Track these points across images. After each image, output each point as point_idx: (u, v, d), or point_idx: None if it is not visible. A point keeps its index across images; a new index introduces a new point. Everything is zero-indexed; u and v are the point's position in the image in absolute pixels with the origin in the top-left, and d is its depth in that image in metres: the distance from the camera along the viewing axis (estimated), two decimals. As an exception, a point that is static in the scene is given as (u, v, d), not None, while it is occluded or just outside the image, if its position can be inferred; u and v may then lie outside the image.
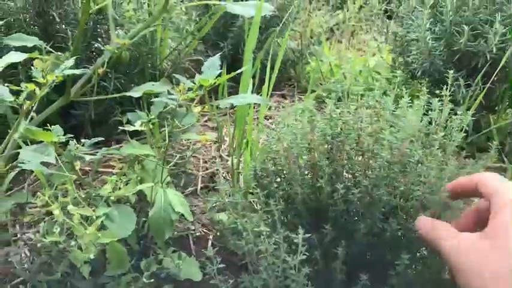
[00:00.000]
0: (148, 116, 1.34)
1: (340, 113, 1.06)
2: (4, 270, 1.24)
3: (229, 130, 1.76)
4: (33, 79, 1.14)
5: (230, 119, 1.92)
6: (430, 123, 1.19)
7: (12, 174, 1.19)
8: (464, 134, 1.32)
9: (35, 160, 0.97)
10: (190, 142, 1.81)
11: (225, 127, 1.90)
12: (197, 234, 1.44)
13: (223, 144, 1.88)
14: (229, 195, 1.20)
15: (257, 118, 1.59)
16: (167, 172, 1.31)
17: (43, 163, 1.19)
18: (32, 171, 1.66)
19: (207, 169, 1.76)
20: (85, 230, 1.12)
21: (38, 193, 1.21)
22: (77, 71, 1.07)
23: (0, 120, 1.47)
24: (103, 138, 1.18)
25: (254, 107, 1.60)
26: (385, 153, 0.95)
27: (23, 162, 1.15)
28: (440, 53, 1.78)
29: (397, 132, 0.98)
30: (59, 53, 1.41)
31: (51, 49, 1.41)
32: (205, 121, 2.11)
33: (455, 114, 1.12)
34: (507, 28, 1.66)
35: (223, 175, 1.68)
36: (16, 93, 1.18)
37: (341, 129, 1.02)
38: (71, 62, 1.12)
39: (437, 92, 1.21)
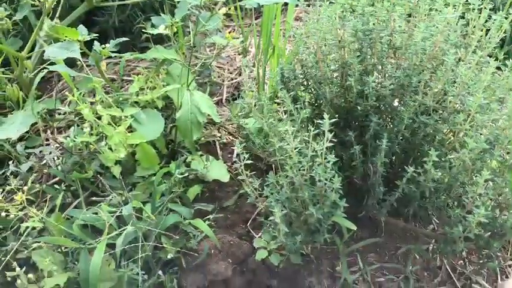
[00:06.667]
0: (171, 19, 1.31)
1: (373, 10, 1.01)
2: (39, 171, 1.29)
3: (255, 40, 1.71)
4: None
5: (256, 28, 1.86)
6: (468, 24, 1.13)
7: (41, 75, 1.20)
8: (500, 42, 1.25)
9: (60, 55, 0.96)
10: (215, 49, 1.77)
11: (250, 37, 1.85)
12: (223, 140, 1.45)
13: (249, 54, 1.84)
14: (256, 99, 1.19)
15: (284, 22, 1.53)
16: (192, 76, 1.30)
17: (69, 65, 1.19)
18: (60, 80, 1.68)
19: (232, 79, 1.74)
20: (115, 130, 1.14)
21: (67, 93, 1.23)
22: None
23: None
24: (128, 39, 1.16)
25: (282, 11, 1.53)
26: (418, 48, 0.91)
27: (50, 64, 1.15)
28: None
29: (432, 27, 0.93)
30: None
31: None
32: (229, 32, 2.06)
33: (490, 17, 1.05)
34: None
35: (249, 84, 1.67)
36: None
37: (373, 24, 0.97)
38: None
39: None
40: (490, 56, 1.06)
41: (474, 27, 1.10)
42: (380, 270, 1.14)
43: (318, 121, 0.88)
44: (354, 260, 1.15)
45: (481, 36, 1.07)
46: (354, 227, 1.04)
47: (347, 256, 1.14)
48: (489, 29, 1.08)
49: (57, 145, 1.35)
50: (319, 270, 1.12)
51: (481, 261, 1.11)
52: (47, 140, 1.43)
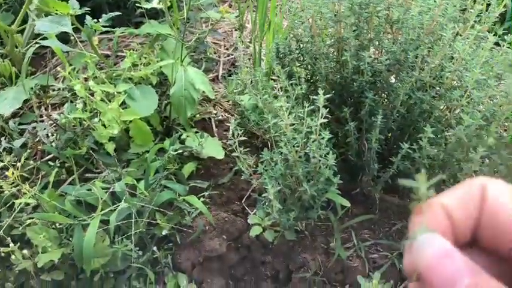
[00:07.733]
0: (166, -7, 1.28)
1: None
2: (33, 147, 1.28)
3: (252, 16, 1.68)
4: None
5: (252, 4, 1.83)
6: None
7: (32, 50, 1.18)
8: (500, 17, 1.22)
9: (51, 30, 0.94)
10: (211, 24, 1.74)
11: (247, 12, 1.82)
12: (219, 118, 1.44)
13: (245, 30, 1.81)
14: (251, 76, 1.17)
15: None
16: (187, 52, 1.28)
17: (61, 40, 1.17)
18: (53, 56, 1.65)
19: (228, 56, 1.72)
20: (107, 106, 1.12)
21: (59, 69, 1.21)
22: None
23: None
24: (121, 14, 1.14)
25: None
26: (415, 22, 0.89)
27: (42, 39, 1.13)
28: None
29: (430, 0, 0.91)
30: None
31: None
32: (226, 7, 2.02)
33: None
34: None
35: (245, 61, 1.64)
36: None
37: (370, -2, 0.95)
38: None
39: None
40: (489, 32, 1.04)
41: (474, 1, 1.08)
42: (374, 246, 1.14)
43: (313, 97, 0.86)
44: (348, 237, 1.15)
45: (481, 11, 1.04)
46: (348, 204, 1.04)
47: (341, 232, 1.14)
48: (489, 4, 1.06)
49: (51, 121, 1.34)
50: (313, 246, 1.12)
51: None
52: (41, 116, 1.41)
